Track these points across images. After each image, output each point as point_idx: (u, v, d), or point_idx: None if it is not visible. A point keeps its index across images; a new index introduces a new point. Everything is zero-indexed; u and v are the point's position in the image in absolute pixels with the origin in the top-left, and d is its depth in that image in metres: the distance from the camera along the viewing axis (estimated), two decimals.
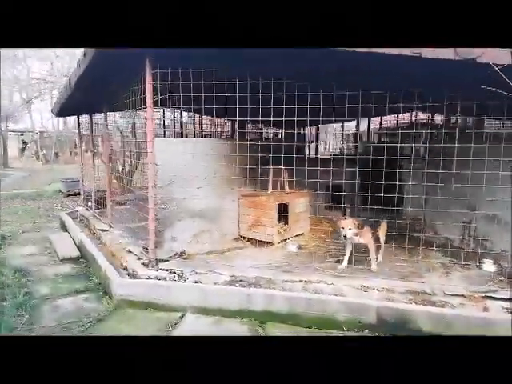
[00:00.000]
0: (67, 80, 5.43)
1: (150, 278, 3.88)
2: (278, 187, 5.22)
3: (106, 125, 5.54)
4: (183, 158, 4.23)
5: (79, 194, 12.45)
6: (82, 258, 5.33)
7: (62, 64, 16.75)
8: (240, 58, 3.18)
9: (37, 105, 26.20)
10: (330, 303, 3.19)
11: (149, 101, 3.86)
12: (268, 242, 4.75)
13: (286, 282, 3.64)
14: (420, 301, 3.24)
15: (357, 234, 3.83)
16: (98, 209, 6.68)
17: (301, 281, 3.62)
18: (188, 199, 4.32)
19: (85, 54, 4.07)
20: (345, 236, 3.79)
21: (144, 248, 4.32)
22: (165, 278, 3.87)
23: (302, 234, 5.19)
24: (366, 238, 3.92)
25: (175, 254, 4.33)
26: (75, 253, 5.42)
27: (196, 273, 3.89)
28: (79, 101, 5.68)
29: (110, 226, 5.62)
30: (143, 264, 4.15)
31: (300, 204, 5.13)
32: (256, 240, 4.89)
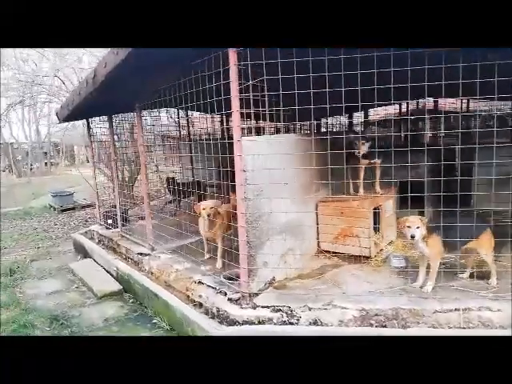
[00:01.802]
0: (90, 73, 4.37)
1: (250, 320, 2.97)
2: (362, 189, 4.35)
3: (142, 127, 4.52)
4: (274, 161, 3.32)
5: (74, 208, 11.21)
6: (126, 291, 4.32)
7: (38, 64, 15.09)
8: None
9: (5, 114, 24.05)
10: None
11: (234, 88, 2.93)
12: (363, 257, 3.91)
13: (438, 312, 2.83)
14: None
15: (424, 238, 3.11)
16: (124, 226, 5.62)
17: (457, 309, 2.82)
18: (275, 213, 3.42)
19: None
20: (413, 236, 3.07)
21: (229, 278, 3.38)
22: (271, 320, 2.97)
23: (391, 242, 4.38)
24: (432, 247, 3.14)
25: (265, 284, 3.43)
26: (115, 286, 4.41)
27: (309, 308, 3.01)
28: (102, 99, 4.63)
29: (153, 249, 4.61)
30: (230, 300, 3.23)
31: (389, 207, 4.33)
32: (344, 254, 4.05)
